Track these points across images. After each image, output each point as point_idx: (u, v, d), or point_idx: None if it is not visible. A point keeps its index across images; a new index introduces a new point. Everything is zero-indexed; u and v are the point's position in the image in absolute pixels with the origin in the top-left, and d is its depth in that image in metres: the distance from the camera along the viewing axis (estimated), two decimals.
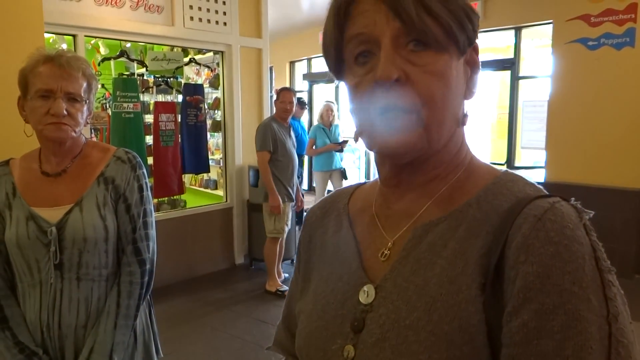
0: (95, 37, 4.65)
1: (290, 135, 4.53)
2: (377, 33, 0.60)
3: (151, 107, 5.01)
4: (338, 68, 0.67)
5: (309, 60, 9.50)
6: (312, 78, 9.45)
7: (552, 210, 0.56)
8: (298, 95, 5.68)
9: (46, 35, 3.89)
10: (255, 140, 4.42)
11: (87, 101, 1.41)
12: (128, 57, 4.98)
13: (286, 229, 4.53)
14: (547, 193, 0.60)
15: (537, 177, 5.29)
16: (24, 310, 1.39)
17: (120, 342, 1.39)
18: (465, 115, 0.67)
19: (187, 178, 5.69)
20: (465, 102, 0.67)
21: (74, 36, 4.09)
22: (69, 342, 1.38)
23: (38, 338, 1.38)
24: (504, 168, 0.68)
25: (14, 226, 1.37)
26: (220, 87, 5.29)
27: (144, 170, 1.50)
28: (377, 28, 0.60)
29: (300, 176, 5.81)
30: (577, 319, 0.51)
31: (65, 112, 1.33)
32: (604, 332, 0.51)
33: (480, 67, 0.67)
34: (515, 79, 6.39)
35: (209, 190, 5.97)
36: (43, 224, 1.37)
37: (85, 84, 1.39)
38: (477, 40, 0.65)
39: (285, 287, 4.45)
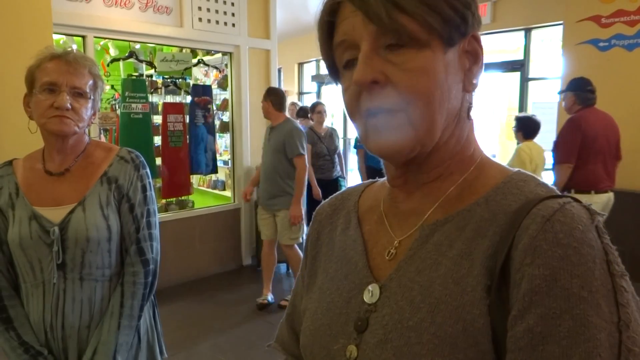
0: (105, 38, 4.69)
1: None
2: (357, 38, 0.61)
3: (160, 108, 5.03)
4: (334, 73, 0.68)
5: (318, 61, 9.50)
6: (321, 79, 9.44)
7: (562, 211, 0.54)
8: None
9: (56, 36, 3.93)
10: (288, 145, 4.00)
11: (93, 99, 1.42)
12: (137, 58, 5.01)
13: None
14: (559, 193, 0.58)
15: (546, 179, 5.23)
16: (28, 311, 1.39)
17: (123, 342, 1.39)
18: (469, 108, 0.65)
19: (195, 179, 5.71)
20: (470, 94, 0.65)
21: (83, 37, 4.13)
22: (73, 342, 1.38)
23: (42, 338, 1.37)
24: (515, 168, 0.67)
25: (16, 226, 1.37)
26: (229, 88, 5.30)
27: (147, 170, 1.49)
28: (356, 33, 0.60)
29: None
30: (585, 325, 0.49)
31: (69, 105, 1.34)
32: (613, 339, 0.49)
33: (482, 57, 0.64)
34: (525, 81, 6.33)
35: (217, 191, 5.98)
36: (46, 224, 1.36)
37: (91, 82, 1.41)
38: (476, 29, 0.63)
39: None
